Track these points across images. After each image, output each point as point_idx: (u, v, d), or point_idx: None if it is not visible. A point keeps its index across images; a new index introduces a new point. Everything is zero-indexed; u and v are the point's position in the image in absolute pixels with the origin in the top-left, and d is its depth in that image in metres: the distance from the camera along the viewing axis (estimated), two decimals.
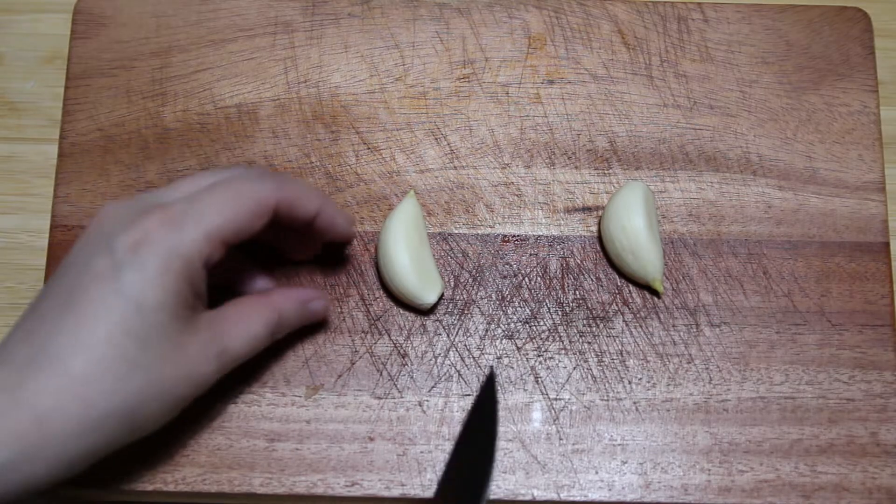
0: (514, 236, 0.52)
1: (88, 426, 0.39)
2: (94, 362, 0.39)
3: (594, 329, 0.51)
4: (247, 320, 0.44)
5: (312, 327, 0.50)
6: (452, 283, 0.51)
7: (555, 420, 0.49)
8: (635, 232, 0.49)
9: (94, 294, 0.39)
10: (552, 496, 0.48)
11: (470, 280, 0.51)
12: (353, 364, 0.50)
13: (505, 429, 0.49)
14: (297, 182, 0.46)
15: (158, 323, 0.40)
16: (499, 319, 0.51)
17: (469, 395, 0.49)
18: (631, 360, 0.50)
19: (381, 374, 0.50)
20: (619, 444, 0.49)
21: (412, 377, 0.50)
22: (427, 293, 0.49)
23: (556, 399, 0.49)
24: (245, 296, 0.46)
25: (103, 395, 0.39)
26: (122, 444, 0.41)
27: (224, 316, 0.44)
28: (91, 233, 0.42)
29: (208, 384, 0.43)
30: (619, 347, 0.50)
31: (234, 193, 0.43)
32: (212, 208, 0.42)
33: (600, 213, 0.52)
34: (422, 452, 0.48)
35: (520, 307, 0.51)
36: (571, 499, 0.47)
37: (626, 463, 0.48)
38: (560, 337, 0.50)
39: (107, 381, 0.39)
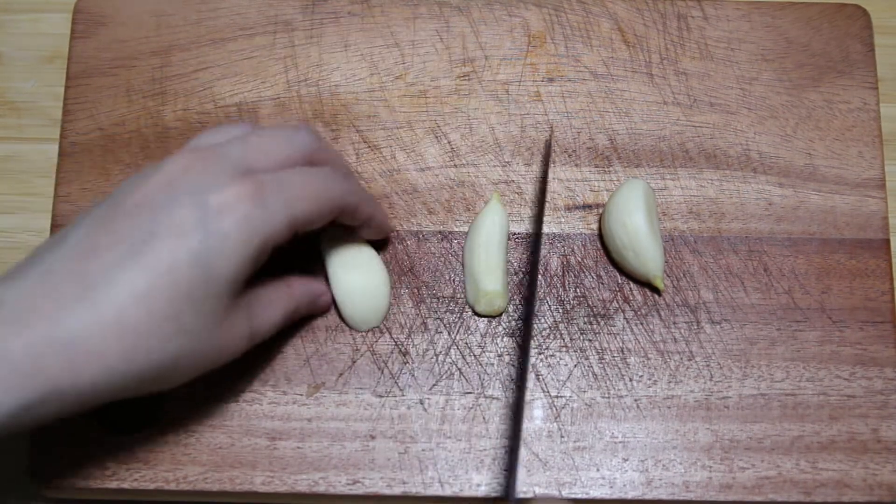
0: (514, 234, 0.52)
1: (117, 377, 0.38)
2: (147, 317, 0.38)
3: (595, 326, 0.51)
4: (273, 306, 0.45)
5: (314, 323, 0.50)
6: (454, 281, 0.51)
7: (556, 417, 0.49)
8: (636, 229, 0.49)
9: (168, 248, 0.38)
10: (554, 493, 0.48)
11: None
12: (355, 362, 0.50)
13: (507, 426, 0.49)
14: (360, 185, 0.47)
15: (217, 293, 0.40)
16: (500, 317, 0.51)
17: (470, 392, 0.49)
18: (632, 358, 0.50)
19: (382, 373, 0.50)
20: (621, 442, 0.49)
21: (413, 375, 0.50)
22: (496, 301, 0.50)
23: (557, 396, 0.49)
24: (270, 279, 0.45)
25: (143, 351, 0.38)
26: (129, 396, 0.40)
27: (257, 297, 0.44)
28: (176, 176, 0.40)
29: (228, 361, 0.43)
30: (620, 345, 0.50)
31: (320, 189, 0.43)
32: (301, 198, 0.42)
33: (601, 210, 0.53)
34: (423, 450, 0.48)
35: (521, 305, 0.51)
36: (573, 496, 0.48)
37: (627, 460, 0.48)
38: (561, 334, 0.50)
39: (152, 339, 0.38)
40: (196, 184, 0.40)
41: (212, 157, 0.41)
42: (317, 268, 0.50)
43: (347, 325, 0.50)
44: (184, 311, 0.39)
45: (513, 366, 0.50)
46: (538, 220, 0.51)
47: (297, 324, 0.50)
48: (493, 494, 0.47)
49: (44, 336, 0.36)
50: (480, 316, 0.50)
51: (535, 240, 0.50)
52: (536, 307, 0.51)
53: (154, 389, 0.41)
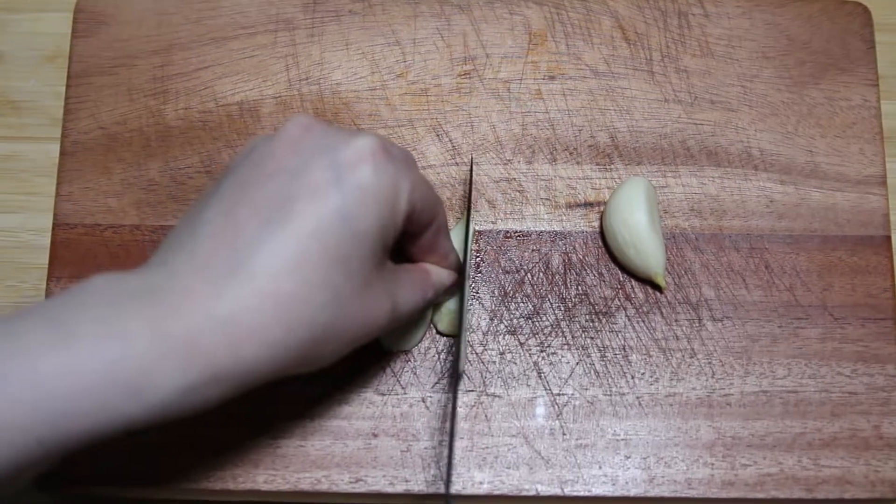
0: (516, 232, 0.52)
1: (279, 351, 0.36)
2: (302, 284, 0.36)
3: (597, 324, 0.51)
4: (414, 287, 0.43)
5: None
6: None
7: (558, 415, 0.49)
8: (637, 227, 0.49)
9: (310, 210, 0.37)
10: (556, 491, 0.48)
11: (472, 276, 0.51)
12: (357, 361, 0.50)
13: (508, 424, 0.49)
14: None
15: (362, 253, 0.38)
16: (501, 315, 0.51)
17: (472, 390, 0.49)
18: (634, 355, 0.50)
19: (384, 371, 0.50)
20: (623, 439, 0.49)
21: (415, 373, 0.50)
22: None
23: (559, 394, 0.49)
24: (409, 264, 0.45)
25: (302, 321, 0.36)
26: (285, 376, 0.38)
27: (398, 275, 0.42)
28: (299, 139, 0.39)
29: (373, 337, 0.40)
30: (622, 342, 0.50)
31: (427, 183, 0.42)
32: (416, 175, 0.41)
33: (602, 208, 0.53)
34: (425, 449, 0.48)
35: (522, 303, 0.51)
36: (575, 494, 0.48)
37: (629, 458, 0.48)
38: (563, 332, 0.50)
39: (309, 307, 0.36)
40: (322, 143, 0.39)
41: (327, 124, 0.40)
42: None
43: (383, 344, 0.50)
44: (334, 275, 0.37)
45: (514, 363, 0.50)
46: (466, 247, 0.50)
47: None
48: (429, 491, 0.47)
49: (202, 317, 0.35)
50: (442, 335, 0.50)
51: (464, 255, 0.49)
52: (537, 304, 0.51)
53: (302, 370, 0.39)
